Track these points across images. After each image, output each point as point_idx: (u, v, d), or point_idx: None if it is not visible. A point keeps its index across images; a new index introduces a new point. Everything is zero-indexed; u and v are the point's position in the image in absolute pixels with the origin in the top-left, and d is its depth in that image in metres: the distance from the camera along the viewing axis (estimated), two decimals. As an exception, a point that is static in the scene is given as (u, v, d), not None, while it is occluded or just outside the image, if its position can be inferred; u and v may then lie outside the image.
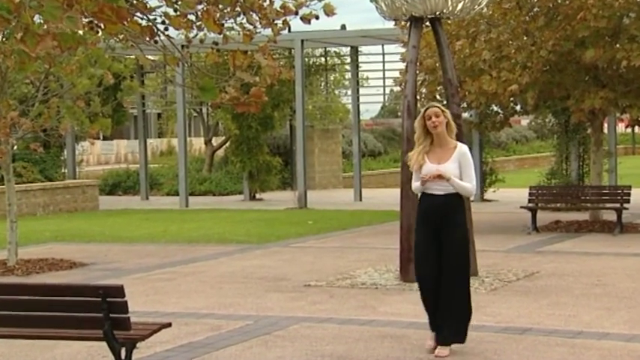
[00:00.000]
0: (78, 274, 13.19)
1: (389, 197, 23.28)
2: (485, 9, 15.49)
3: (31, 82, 14.95)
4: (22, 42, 4.73)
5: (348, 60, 29.61)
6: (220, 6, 6.48)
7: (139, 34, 5.60)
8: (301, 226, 19.13)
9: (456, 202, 7.85)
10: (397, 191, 12.18)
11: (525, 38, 16.51)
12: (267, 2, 6.81)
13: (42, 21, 4.89)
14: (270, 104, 25.44)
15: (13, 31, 5.17)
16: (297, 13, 6.81)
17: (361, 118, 29.79)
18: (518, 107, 18.79)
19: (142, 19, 5.73)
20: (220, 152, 32.81)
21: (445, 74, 12.53)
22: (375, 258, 13.88)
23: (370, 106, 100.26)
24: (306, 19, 6.76)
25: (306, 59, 29.22)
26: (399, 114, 39.81)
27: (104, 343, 6.64)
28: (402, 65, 17.59)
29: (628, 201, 17.05)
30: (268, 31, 6.96)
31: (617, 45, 16.06)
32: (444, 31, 12.75)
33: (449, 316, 7.81)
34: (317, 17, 6.79)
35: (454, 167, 7.80)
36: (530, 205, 17.58)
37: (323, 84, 33.36)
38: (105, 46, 12.88)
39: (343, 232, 18.06)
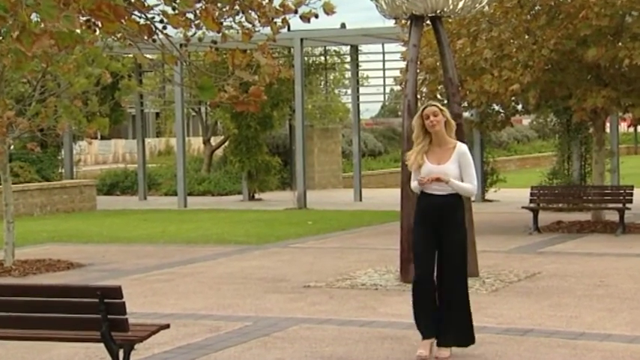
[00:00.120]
0: (75, 275, 13.17)
1: (389, 197, 23.28)
2: (486, 7, 15.43)
3: (28, 81, 14.97)
4: (18, 41, 4.73)
5: (348, 59, 29.57)
6: (219, 4, 6.51)
7: (137, 33, 5.60)
8: (301, 226, 19.12)
9: (455, 202, 7.81)
10: (397, 191, 12.18)
11: (527, 37, 16.50)
12: (267, 1, 6.81)
13: (39, 19, 4.87)
14: (270, 103, 25.44)
15: (9, 30, 5.16)
16: (296, 12, 6.78)
17: (361, 117, 29.80)
18: (519, 106, 18.79)
19: (140, 17, 5.73)
20: (219, 152, 32.82)
21: (446, 73, 12.50)
22: (375, 259, 13.85)
23: (370, 106, 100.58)
24: (305, 18, 6.75)
25: (306, 58, 29.24)
26: (400, 113, 39.76)
27: (102, 345, 6.62)
28: (403, 64, 17.69)
29: (630, 201, 17.03)
30: (267, 30, 6.97)
31: (620, 43, 16.05)
32: (444, 30, 12.73)
33: (449, 316, 7.77)
34: (316, 16, 6.77)
35: (454, 167, 7.75)
36: (531, 205, 17.57)
37: (323, 83, 33.31)
38: (102, 44, 12.83)
39: (343, 233, 18.06)
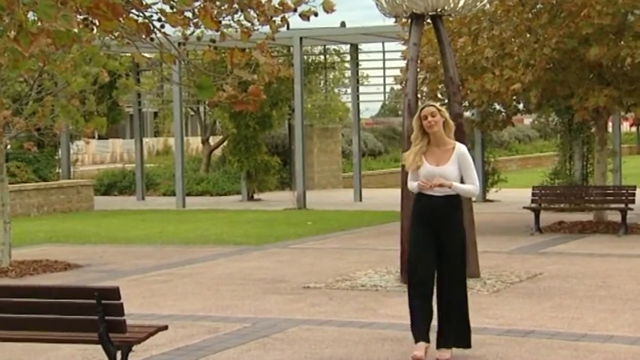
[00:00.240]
0: (73, 275, 13.15)
1: (389, 197, 23.29)
2: (487, 6, 15.56)
3: (25, 80, 14.94)
4: (15, 41, 4.73)
5: (348, 58, 29.61)
6: (218, 3, 6.50)
7: (134, 32, 5.63)
8: (300, 226, 19.12)
9: (454, 203, 7.80)
10: (398, 191, 12.18)
11: (528, 36, 16.48)
12: (265, -1, 6.78)
13: (36, 18, 4.84)
14: (269, 103, 25.45)
15: (6, 29, 5.16)
16: (295, 10, 6.75)
17: (361, 116, 29.82)
18: (520, 106, 18.80)
19: (137, 15, 5.71)
20: (218, 152, 32.84)
21: (446, 72, 12.47)
22: (376, 259, 13.84)
23: (370, 105, 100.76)
24: (305, 16, 6.72)
25: (305, 57, 29.26)
26: (400, 113, 39.78)
27: (99, 346, 6.61)
28: (403, 63, 17.82)
29: (633, 201, 17.04)
30: (266, 29, 6.96)
31: (622, 42, 16.03)
32: (445, 29, 12.71)
33: (449, 316, 7.74)
34: (316, 14, 6.75)
35: (454, 169, 7.73)
36: (533, 205, 17.55)
37: (322, 82, 33.36)
38: (100, 43, 12.84)
39: (343, 233, 18.07)
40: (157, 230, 18.83)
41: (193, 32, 6.64)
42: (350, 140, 30.90)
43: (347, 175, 31.14)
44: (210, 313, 9.98)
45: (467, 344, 7.85)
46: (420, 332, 7.72)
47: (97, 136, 40.16)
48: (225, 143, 29.75)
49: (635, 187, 17.35)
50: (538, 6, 16.61)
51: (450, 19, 15.00)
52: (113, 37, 7.68)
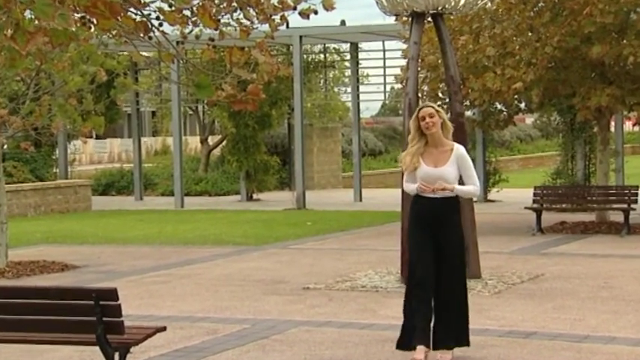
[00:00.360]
0: (70, 276, 13.14)
1: (390, 198, 23.32)
2: (489, 4, 15.78)
3: (22, 79, 15.04)
4: (12, 39, 4.73)
5: (348, 57, 29.59)
6: (216, 1, 6.47)
7: (132, 30, 5.62)
8: (300, 227, 19.12)
9: (453, 205, 7.79)
10: (398, 191, 12.11)
11: (530, 34, 16.48)
12: (265, -3, 6.77)
13: (33, 17, 4.84)
14: (268, 102, 25.44)
15: (3, 27, 5.11)
16: (295, 8, 6.68)
17: (361, 116, 29.83)
18: (522, 105, 18.83)
19: (135, 14, 5.69)
20: (216, 151, 32.84)
21: (447, 71, 12.46)
22: (376, 260, 13.82)
23: (370, 104, 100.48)
24: (304, 15, 6.64)
25: (305, 56, 29.24)
26: (400, 112, 39.72)
27: (97, 348, 6.62)
28: (403, 62, 17.93)
29: (635, 201, 17.07)
30: (266, 27, 6.90)
31: (624, 41, 16.01)
32: (446, 27, 12.70)
33: (449, 317, 7.73)
34: (316, 12, 6.66)
35: (453, 170, 7.72)
36: (534, 205, 17.55)
37: (322, 81, 33.38)
38: (97, 42, 12.81)
39: (343, 234, 18.08)
40: (155, 231, 18.82)
41: (192, 31, 6.59)
42: (350, 140, 30.90)
43: (347, 175, 31.12)
44: (209, 315, 9.96)
45: (467, 342, 7.85)
46: (420, 336, 7.67)
47: (94, 136, 40.16)
48: (224, 143, 29.75)
49: (637, 187, 17.33)
50: (540, 4, 16.59)
51: (451, 17, 14.97)
52: (111, 36, 7.66)
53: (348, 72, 31.99)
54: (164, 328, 7.09)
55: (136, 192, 28.12)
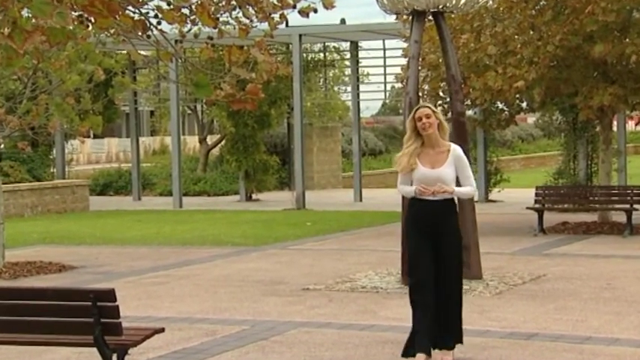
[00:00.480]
0: (67, 277, 13.13)
1: (390, 198, 23.36)
2: (490, 2, 15.76)
3: (19, 78, 15.12)
4: (9, 38, 4.74)
5: (348, 55, 29.61)
6: None
7: (130, 29, 5.63)
8: (299, 227, 19.11)
9: (450, 207, 7.77)
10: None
11: (532, 33, 16.43)
12: (264, -5, 6.82)
13: (30, 15, 4.86)
14: (267, 101, 25.41)
15: (0, 26, 5.14)
16: (294, 7, 6.71)
17: (361, 115, 29.85)
18: (524, 104, 18.80)
19: (134, 12, 5.71)
20: (215, 151, 32.89)
21: (448, 70, 12.43)
22: (376, 261, 13.80)
23: (371, 104, 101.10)
24: (304, 13, 6.67)
25: (305, 55, 29.25)
26: (401, 111, 39.62)
27: (95, 349, 6.60)
28: (404, 61, 17.92)
29: (638, 201, 17.01)
30: (265, 26, 6.97)
31: (627, 39, 15.95)
32: (447, 26, 12.68)
33: (447, 317, 7.70)
34: (315, 11, 6.70)
35: (450, 171, 7.68)
36: (536, 205, 17.54)
37: (322, 80, 33.44)
38: (95, 40, 12.83)
39: (343, 234, 18.08)
40: (153, 231, 18.81)
41: (190, 29, 6.63)
42: (350, 139, 30.91)
43: (347, 174, 31.12)
44: (208, 316, 9.94)
45: (461, 340, 7.86)
46: (421, 344, 7.63)
47: (92, 135, 40.14)
48: (223, 142, 29.79)
49: (640, 187, 17.39)
50: (542, 2, 16.57)
51: (452, 15, 14.90)
52: (109, 35, 7.73)
53: (348, 71, 32.02)
54: (162, 330, 7.08)
55: (134, 192, 28.10)
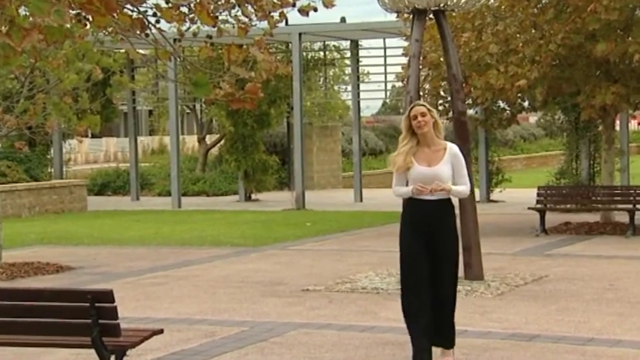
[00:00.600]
0: (65, 278, 13.13)
1: (390, 198, 22.69)
2: (491, 0, 15.90)
3: (16, 77, 15.13)
4: (7, 36, 4.74)
5: (348, 54, 29.64)
6: None
7: (129, 27, 5.64)
8: (299, 227, 19.13)
9: (447, 207, 7.71)
10: None
11: (534, 31, 16.43)
12: (264, -7, 6.86)
13: (27, 13, 4.88)
14: (267, 101, 25.40)
15: None
16: (294, 5, 6.76)
17: (362, 115, 29.85)
18: (526, 103, 18.76)
19: (132, 11, 5.72)
20: (214, 151, 32.93)
21: (449, 69, 12.40)
22: (376, 261, 13.78)
23: (371, 103, 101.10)
24: (304, 12, 6.71)
25: (304, 53, 29.25)
26: (402, 111, 39.54)
27: (93, 351, 6.60)
28: (405, 60, 17.68)
29: None
30: (264, 24, 7.18)
31: (630, 38, 15.95)
32: (448, 24, 12.64)
33: (444, 320, 7.65)
34: (315, 9, 6.76)
35: (447, 170, 7.62)
36: (538, 205, 17.55)
37: (322, 79, 33.50)
38: (93, 39, 12.77)
39: (343, 234, 18.10)
40: (151, 231, 18.83)
41: (189, 28, 6.68)
42: (350, 139, 30.91)
43: (347, 174, 31.13)
44: (207, 317, 9.94)
45: (453, 345, 7.83)
46: (418, 349, 7.51)
47: (90, 135, 40.11)
48: (222, 142, 29.79)
49: (643, 187, 17.41)
50: (543, 1, 16.56)
51: (453, 14, 14.88)
52: (107, 33, 7.78)
53: (348, 70, 32.07)
54: (161, 331, 7.07)
55: (132, 192, 28.09)
